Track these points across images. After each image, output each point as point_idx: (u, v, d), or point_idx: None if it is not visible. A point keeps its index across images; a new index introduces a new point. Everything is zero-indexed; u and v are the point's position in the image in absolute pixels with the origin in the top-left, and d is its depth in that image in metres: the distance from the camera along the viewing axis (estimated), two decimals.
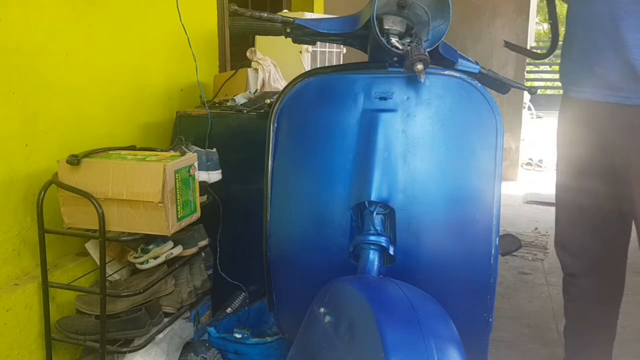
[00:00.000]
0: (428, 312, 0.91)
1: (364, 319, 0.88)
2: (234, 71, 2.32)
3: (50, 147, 1.65)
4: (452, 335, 0.88)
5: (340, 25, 1.27)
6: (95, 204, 1.46)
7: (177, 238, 1.67)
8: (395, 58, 1.15)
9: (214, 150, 1.86)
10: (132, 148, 1.75)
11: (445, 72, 1.17)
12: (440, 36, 1.15)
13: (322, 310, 1.00)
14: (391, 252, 1.12)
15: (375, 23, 1.11)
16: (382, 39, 1.12)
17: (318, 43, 2.60)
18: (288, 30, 1.27)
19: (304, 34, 1.29)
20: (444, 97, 1.15)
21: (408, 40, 1.12)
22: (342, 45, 2.95)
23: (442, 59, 1.25)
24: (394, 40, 1.12)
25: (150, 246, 1.64)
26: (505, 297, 2.50)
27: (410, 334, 0.84)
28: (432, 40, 1.15)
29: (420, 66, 1.05)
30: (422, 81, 1.09)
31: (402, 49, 1.10)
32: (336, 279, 1.04)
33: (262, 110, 1.99)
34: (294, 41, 1.34)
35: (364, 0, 1.16)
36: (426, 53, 1.08)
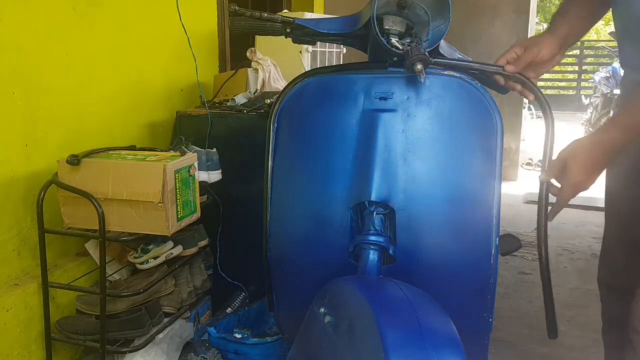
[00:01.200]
0: (428, 312, 0.91)
1: (364, 319, 0.88)
2: (234, 71, 2.32)
3: (50, 147, 1.65)
4: (452, 335, 0.88)
5: (340, 25, 1.27)
6: (95, 204, 1.46)
7: (177, 238, 1.67)
8: (395, 58, 1.15)
9: (214, 150, 1.86)
10: (132, 148, 1.75)
11: (445, 72, 1.16)
12: (440, 36, 1.15)
13: (322, 310, 0.99)
14: (391, 252, 1.12)
15: (375, 23, 1.11)
16: (382, 39, 1.12)
17: (318, 43, 2.60)
18: (288, 30, 1.27)
19: (304, 34, 1.29)
20: (444, 97, 1.15)
21: (408, 41, 1.12)
22: (342, 45, 2.95)
23: (442, 59, 1.25)
24: (394, 40, 1.12)
25: (150, 246, 1.64)
26: (505, 297, 2.50)
27: (410, 334, 0.84)
28: (432, 40, 1.15)
29: (420, 66, 1.05)
30: (422, 81, 1.09)
31: (402, 49, 1.10)
32: (336, 279, 1.04)
33: (262, 110, 1.99)
34: (294, 41, 1.33)
35: (364, 0, 1.16)
36: (426, 53, 1.08)
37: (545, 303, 1.15)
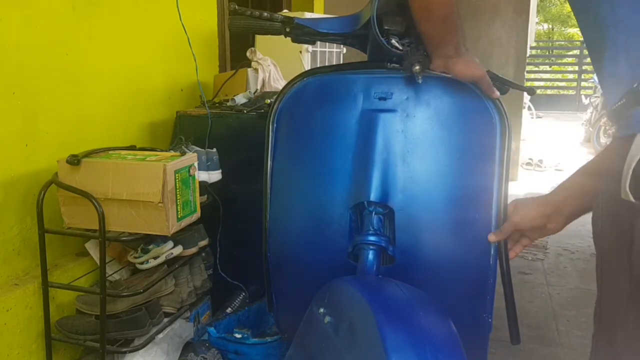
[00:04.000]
0: (428, 313, 0.91)
1: (364, 319, 0.88)
2: (234, 71, 2.32)
3: (50, 147, 1.65)
4: (452, 335, 0.88)
5: (340, 25, 1.27)
6: (95, 204, 1.46)
7: (177, 238, 1.67)
8: (395, 58, 1.15)
9: (214, 150, 1.86)
10: (132, 148, 1.75)
11: (445, 73, 1.16)
12: None
13: (321, 310, 1.00)
14: (390, 252, 1.12)
15: (375, 23, 1.11)
16: (382, 38, 1.12)
17: (318, 43, 2.60)
18: (288, 29, 1.27)
19: (303, 33, 1.29)
20: (443, 98, 1.15)
21: (407, 41, 1.12)
22: (342, 45, 2.95)
23: None
24: (393, 40, 1.12)
25: (150, 246, 1.64)
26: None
27: (410, 335, 0.84)
28: None
29: (418, 67, 1.05)
30: (419, 82, 1.09)
31: (402, 50, 1.10)
32: (336, 279, 1.04)
33: (262, 110, 1.99)
34: (294, 40, 1.33)
35: (364, 0, 1.16)
36: (425, 54, 1.08)
37: (507, 311, 1.15)
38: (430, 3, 1.01)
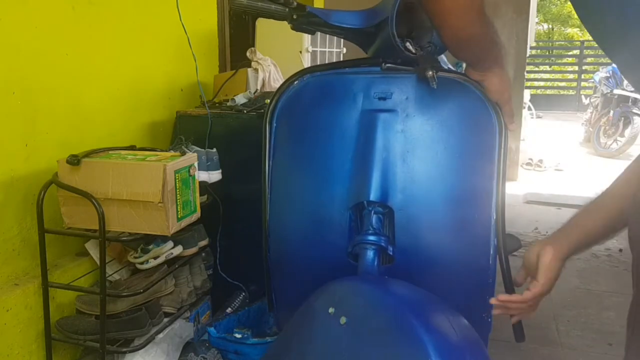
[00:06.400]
0: (453, 315, 0.93)
1: (399, 321, 0.88)
2: (234, 71, 2.32)
3: (50, 147, 1.65)
4: (477, 339, 0.90)
5: (353, 20, 1.24)
6: (95, 204, 1.46)
7: (177, 238, 1.67)
8: (399, 60, 1.14)
9: (214, 150, 1.86)
10: (132, 148, 1.75)
11: (445, 73, 1.16)
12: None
13: (331, 310, 0.98)
14: (390, 252, 1.12)
15: (394, 24, 1.09)
16: (398, 40, 1.11)
17: (319, 43, 2.60)
18: (295, 16, 1.22)
19: (308, 22, 1.25)
20: (442, 98, 1.15)
21: (420, 45, 1.12)
22: (342, 45, 2.95)
23: (441, 59, 1.25)
24: (407, 43, 1.12)
25: (150, 246, 1.64)
26: None
27: (447, 336, 0.87)
28: (441, 47, 1.15)
29: (431, 72, 1.06)
30: (434, 87, 1.09)
31: (415, 53, 1.10)
32: (344, 278, 1.04)
33: (262, 110, 1.99)
34: (293, 28, 1.29)
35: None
36: (438, 59, 1.08)
37: None
38: (452, 28, 0.99)
